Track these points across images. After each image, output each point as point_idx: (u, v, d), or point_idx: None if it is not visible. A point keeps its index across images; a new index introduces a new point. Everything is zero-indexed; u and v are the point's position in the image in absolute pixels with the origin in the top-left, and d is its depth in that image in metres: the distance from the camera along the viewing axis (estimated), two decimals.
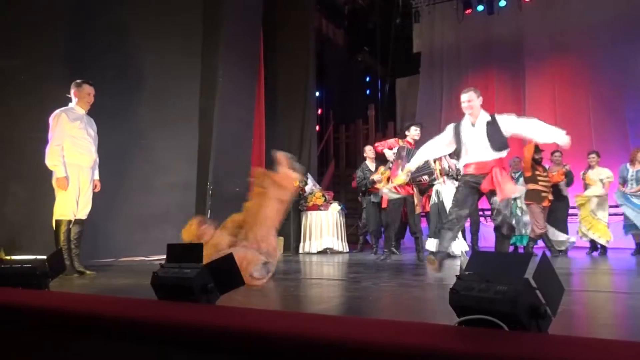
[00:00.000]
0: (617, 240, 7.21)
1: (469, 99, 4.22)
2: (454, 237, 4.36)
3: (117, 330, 1.77)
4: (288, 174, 4.09)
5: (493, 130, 4.14)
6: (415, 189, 5.96)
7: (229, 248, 3.62)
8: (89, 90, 4.57)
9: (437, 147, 4.60)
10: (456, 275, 1.67)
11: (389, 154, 6.18)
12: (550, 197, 6.65)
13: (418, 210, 6.01)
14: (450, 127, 4.43)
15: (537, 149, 6.72)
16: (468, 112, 4.23)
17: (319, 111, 10.64)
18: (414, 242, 6.25)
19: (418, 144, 5.70)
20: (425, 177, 5.82)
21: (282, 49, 8.74)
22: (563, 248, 6.89)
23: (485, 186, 4.11)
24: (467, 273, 1.65)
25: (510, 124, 4.16)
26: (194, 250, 2.31)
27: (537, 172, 6.66)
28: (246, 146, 7.37)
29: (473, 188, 4.19)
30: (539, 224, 6.57)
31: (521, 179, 6.93)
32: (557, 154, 7.11)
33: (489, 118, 4.20)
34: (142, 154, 6.19)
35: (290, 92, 8.91)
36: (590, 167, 7.03)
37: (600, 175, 6.88)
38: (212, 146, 6.60)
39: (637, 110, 8.79)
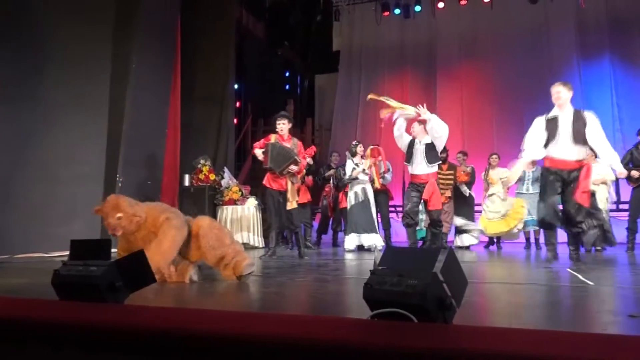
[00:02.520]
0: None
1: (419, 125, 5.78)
2: (415, 229, 5.95)
3: (9, 333, 1.63)
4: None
5: (429, 148, 5.66)
6: (289, 185, 5.61)
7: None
8: None
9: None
10: (370, 270, 1.73)
11: (259, 154, 5.63)
12: (449, 194, 7.10)
13: (292, 206, 5.62)
14: (407, 142, 5.81)
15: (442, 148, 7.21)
16: (415, 134, 5.80)
17: (238, 104, 10.46)
18: (295, 238, 6.00)
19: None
20: (293, 167, 5.49)
21: (201, 39, 8.50)
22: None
23: (425, 195, 5.66)
24: (380, 268, 1.71)
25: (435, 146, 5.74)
26: (101, 246, 2.18)
27: (439, 171, 7.06)
28: (160, 136, 7.09)
29: (418, 192, 5.68)
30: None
31: None
32: (459, 154, 7.62)
33: (429, 140, 5.68)
34: (45, 142, 5.74)
35: (209, 83, 8.69)
36: (491, 166, 7.57)
37: (500, 175, 7.43)
38: (122, 136, 6.27)
39: (534, 115, 9.53)
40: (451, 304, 1.56)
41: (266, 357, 1.42)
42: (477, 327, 1.63)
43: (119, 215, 3.19)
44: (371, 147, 7.33)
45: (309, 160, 7.53)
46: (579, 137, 4.39)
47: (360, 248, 6.92)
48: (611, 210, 7.33)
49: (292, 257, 5.81)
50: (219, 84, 8.78)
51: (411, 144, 5.77)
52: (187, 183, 7.67)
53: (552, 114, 4.63)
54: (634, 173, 6.50)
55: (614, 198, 7.41)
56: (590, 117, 4.48)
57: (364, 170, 7.02)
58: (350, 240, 6.95)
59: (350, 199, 7.10)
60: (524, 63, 10.15)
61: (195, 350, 1.50)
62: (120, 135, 6.25)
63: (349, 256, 6.20)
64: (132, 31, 6.40)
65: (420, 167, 5.70)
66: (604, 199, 6.62)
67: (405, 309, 1.52)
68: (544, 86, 10.03)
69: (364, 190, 6.97)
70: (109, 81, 6.25)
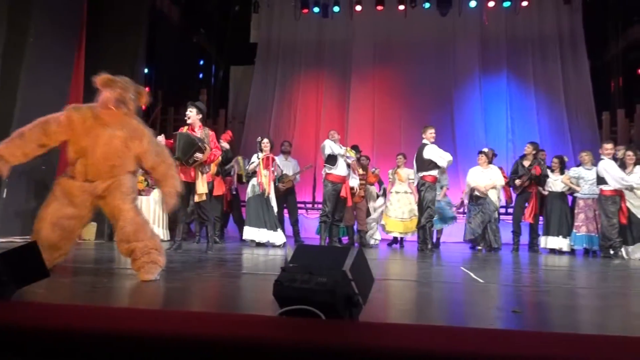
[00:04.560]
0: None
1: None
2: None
3: None
4: None
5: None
6: (198, 176, 5.46)
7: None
8: None
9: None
10: (281, 267, 1.73)
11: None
12: (362, 193, 7.45)
13: (200, 198, 5.51)
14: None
15: (355, 149, 7.53)
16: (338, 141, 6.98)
17: (147, 89, 9.95)
18: (206, 231, 5.99)
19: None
20: (199, 155, 5.33)
21: (110, 17, 7.96)
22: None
23: (342, 194, 6.85)
24: (291, 265, 1.72)
25: None
26: None
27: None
28: None
29: (336, 191, 6.82)
30: (346, 216, 7.48)
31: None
32: (363, 158, 7.93)
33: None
34: None
35: (116, 65, 8.06)
36: (398, 166, 7.99)
37: (408, 174, 7.81)
38: (14, 116, 5.72)
39: (438, 121, 10.10)
40: (358, 301, 1.61)
41: (170, 356, 1.38)
42: (382, 324, 1.69)
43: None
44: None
45: (225, 144, 7.37)
46: None
47: (259, 243, 6.86)
48: (500, 214, 8.01)
49: (199, 251, 5.67)
50: (127, 66, 8.26)
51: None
52: None
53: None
54: (518, 182, 7.35)
55: (503, 202, 8.13)
56: None
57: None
58: (248, 232, 6.92)
59: (248, 192, 7.10)
60: (432, 72, 10.76)
61: (89, 350, 1.41)
62: (12, 116, 5.70)
63: (257, 251, 6.18)
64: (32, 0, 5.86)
65: (344, 171, 6.91)
66: (494, 201, 7.28)
67: (314, 306, 1.54)
68: (448, 95, 10.80)
69: (261, 184, 6.97)
70: (2, 54, 5.67)
